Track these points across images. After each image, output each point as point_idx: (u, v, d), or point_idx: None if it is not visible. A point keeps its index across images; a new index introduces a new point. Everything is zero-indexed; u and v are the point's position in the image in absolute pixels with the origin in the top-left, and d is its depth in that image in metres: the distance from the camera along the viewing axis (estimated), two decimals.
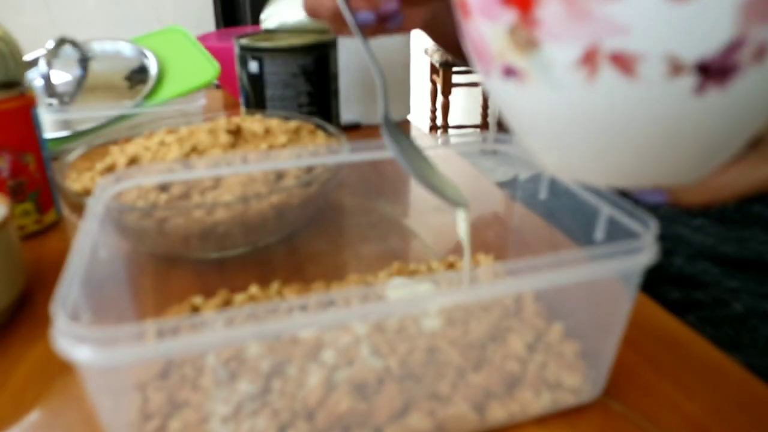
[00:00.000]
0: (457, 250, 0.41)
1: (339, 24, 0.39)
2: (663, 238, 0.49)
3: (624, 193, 0.26)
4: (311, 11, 0.39)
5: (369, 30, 0.40)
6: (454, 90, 2.38)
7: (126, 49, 0.74)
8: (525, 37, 0.19)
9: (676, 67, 0.17)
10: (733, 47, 0.17)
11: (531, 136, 0.23)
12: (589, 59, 0.18)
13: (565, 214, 0.32)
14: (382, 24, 0.40)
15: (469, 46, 0.22)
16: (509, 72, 0.20)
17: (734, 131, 0.20)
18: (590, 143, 0.21)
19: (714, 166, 0.22)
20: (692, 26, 0.16)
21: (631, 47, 0.17)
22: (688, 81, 0.18)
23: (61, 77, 0.70)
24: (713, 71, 0.17)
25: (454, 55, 0.57)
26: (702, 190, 0.22)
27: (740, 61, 0.17)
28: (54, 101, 0.64)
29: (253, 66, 0.58)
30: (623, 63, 0.18)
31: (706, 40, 0.17)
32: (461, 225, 0.32)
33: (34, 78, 0.67)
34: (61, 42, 0.65)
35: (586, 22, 0.17)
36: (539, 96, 0.20)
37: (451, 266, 0.39)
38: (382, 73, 0.34)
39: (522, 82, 0.20)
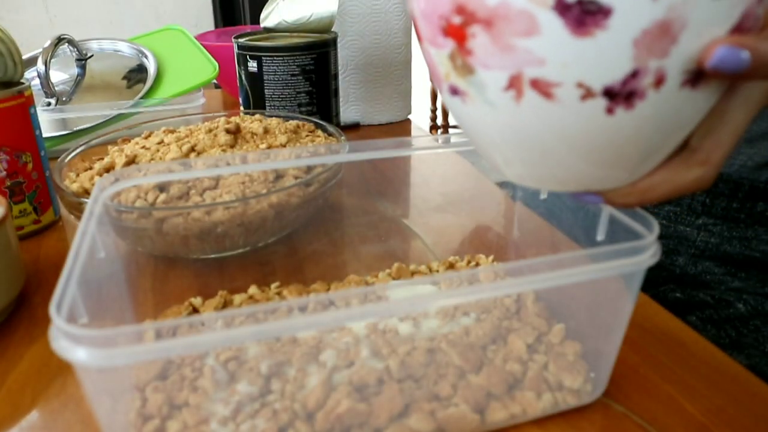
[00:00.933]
0: (457, 250, 0.41)
1: None
2: (666, 237, 0.49)
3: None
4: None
5: None
6: None
7: (124, 48, 0.74)
8: (462, 63, 0.22)
9: (587, 92, 0.20)
10: (633, 76, 0.19)
11: (478, 144, 0.26)
12: (514, 84, 0.21)
13: (565, 214, 0.32)
14: None
15: (427, 66, 0.26)
16: (454, 91, 0.23)
17: (650, 144, 0.22)
18: (524, 154, 0.23)
19: (640, 172, 0.24)
20: (597, 58, 0.19)
21: (547, 76, 0.20)
22: (599, 103, 0.20)
23: (60, 76, 0.70)
24: (619, 96, 0.20)
25: None
26: (630, 193, 0.24)
27: (642, 87, 0.20)
28: (52, 100, 0.64)
29: (253, 65, 0.58)
30: (542, 88, 0.20)
31: (609, 70, 0.19)
32: None
33: (32, 77, 0.67)
34: (59, 41, 0.65)
35: (508, 54, 0.20)
36: (478, 112, 0.23)
37: (451, 266, 0.38)
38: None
39: (464, 100, 0.23)
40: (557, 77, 0.20)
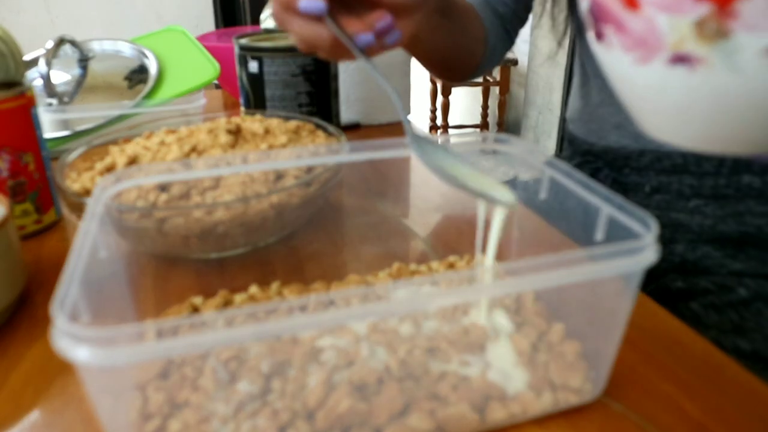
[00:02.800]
0: (457, 250, 0.41)
1: (339, 52, 0.39)
2: (662, 226, 0.49)
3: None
4: (309, 48, 0.39)
5: (370, 51, 0.40)
6: (454, 90, 2.38)
7: (126, 48, 0.74)
8: (715, 28, 0.21)
9: None
10: None
11: (671, 115, 0.25)
12: None
13: (565, 214, 0.32)
14: (381, 41, 0.40)
15: (618, 37, 0.24)
16: (680, 59, 0.22)
17: None
18: (752, 119, 0.23)
19: None
20: None
21: None
22: None
23: (61, 77, 0.70)
24: None
25: (432, 69, 0.59)
26: None
27: None
28: (54, 101, 0.64)
29: (253, 66, 0.58)
30: None
31: None
32: (496, 223, 0.31)
33: (34, 78, 0.67)
34: (60, 42, 0.65)
35: None
36: (713, 81, 0.22)
37: (451, 266, 0.39)
38: (397, 90, 0.35)
39: (695, 68, 0.22)
40: None
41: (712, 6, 0.21)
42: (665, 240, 0.49)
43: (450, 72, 0.59)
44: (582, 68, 0.59)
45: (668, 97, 0.25)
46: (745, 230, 0.46)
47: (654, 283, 0.50)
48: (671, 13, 0.22)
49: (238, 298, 0.35)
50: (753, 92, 0.22)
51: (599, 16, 0.25)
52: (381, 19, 0.39)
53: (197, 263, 0.40)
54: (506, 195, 0.31)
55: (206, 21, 2.26)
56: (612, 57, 0.26)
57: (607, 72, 0.27)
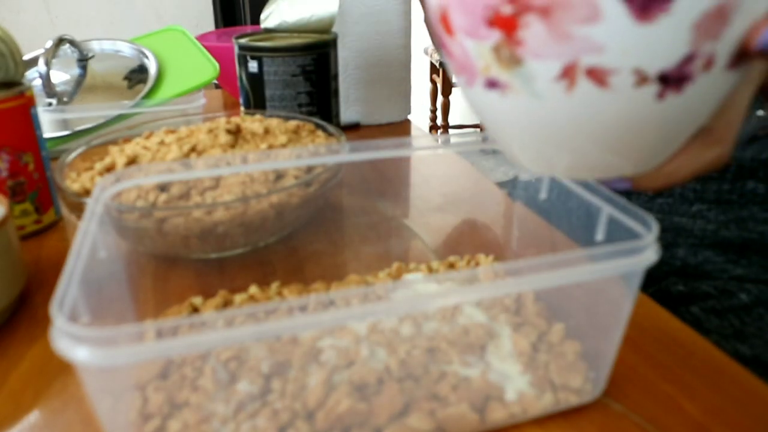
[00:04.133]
0: (457, 250, 0.41)
1: None
2: (664, 230, 0.49)
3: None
4: None
5: None
6: (454, 90, 2.38)
7: (125, 48, 0.74)
8: (509, 54, 0.21)
9: (642, 78, 0.20)
10: (688, 60, 0.20)
11: (508, 139, 0.26)
12: (568, 74, 0.21)
13: (565, 214, 0.32)
14: None
15: (450, 61, 0.25)
16: (492, 84, 0.23)
17: (687, 125, 0.23)
18: (566, 143, 0.23)
19: (668, 155, 0.25)
20: (655, 44, 0.19)
21: (605, 63, 0.20)
22: (651, 89, 0.20)
23: (60, 77, 0.70)
24: (672, 80, 0.20)
25: None
26: (658, 176, 0.26)
27: (693, 70, 0.20)
28: (53, 101, 0.64)
29: (253, 66, 0.58)
30: (598, 76, 0.20)
31: (667, 55, 0.20)
32: None
33: (33, 78, 0.67)
34: (60, 41, 0.65)
35: (565, 42, 0.20)
36: (521, 105, 0.23)
37: (451, 266, 0.39)
38: None
39: (504, 94, 0.23)
40: (615, 64, 0.20)
41: (501, 33, 0.21)
42: (666, 243, 0.49)
43: None
44: None
45: (494, 123, 0.25)
46: (748, 236, 0.46)
47: (655, 286, 0.49)
48: (473, 39, 0.22)
49: (238, 298, 0.35)
50: (558, 119, 0.22)
51: (436, 41, 0.26)
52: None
53: (197, 263, 0.40)
54: None
55: (206, 21, 2.26)
56: (456, 80, 0.26)
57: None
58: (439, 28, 0.24)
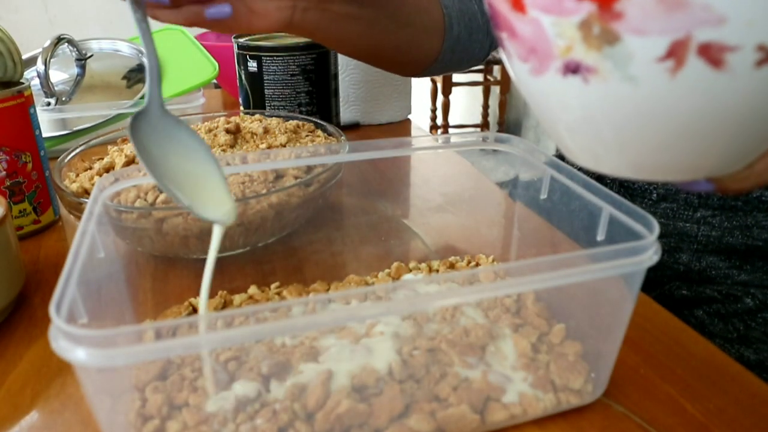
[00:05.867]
0: (457, 250, 0.40)
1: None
2: (666, 235, 0.49)
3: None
4: None
5: (193, 20, 0.36)
6: (454, 89, 2.38)
7: (124, 47, 0.74)
8: (601, 31, 0.18)
9: (765, 57, 0.17)
10: None
11: (577, 133, 0.22)
12: (676, 52, 0.17)
13: (565, 215, 0.32)
14: (197, 8, 0.36)
15: (513, 44, 0.21)
16: (572, 68, 0.20)
17: None
18: (655, 139, 0.20)
19: (761, 152, 0.22)
20: None
21: (725, 38, 0.17)
22: None
23: (59, 76, 0.70)
24: None
25: (369, 62, 0.51)
26: (747, 176, 0.23)
27: None
28: (52, 100, 0.64)
29: (252, 65, 0.58)
30: (713, 54, 0.17)
31: None
32: (213, 243, 0.27)
33: (32, 77, 0.67)
34: (58, 41, 0.65)
35: (679, 13, 0.17)
36: (608, 92, 0.19)
37: (451, 266, 0.38)
38: (155, 54, 0.30)
39: (588, 79, 0.19)
40: (737, 39, 0.17)
41: (594, 5, 0.18)
42: (670, 248, 0.49)
43: (397, 67, 0.51)
44: None
45: (570, 114, 0.22)
46: (752, 243, 0.45)
47: (658, 290, 0.49)
48: (555, 15, 0.19)
49: (238, 298, 0.35)
50: (655, 108, 0.19)
51: (495, 22, 0.22)
52: None
53: (196, 263, 0.40)
54: (222, 210, 0.27)
55: None
56: (513, 68, 0.23)
57: (517, 86, 0.24)
58: (500, 5, 0.21)
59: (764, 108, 0.19)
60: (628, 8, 0.17)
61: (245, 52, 0.58)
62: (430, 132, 2.47)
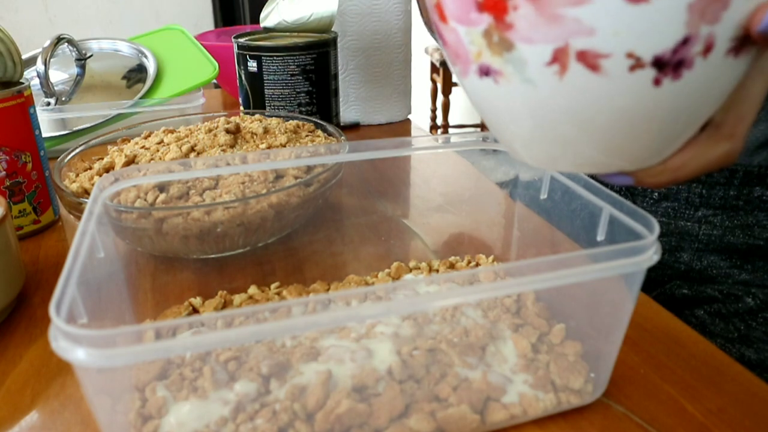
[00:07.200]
0: (457, 250, 0.40)
1: None
2: (667, 235, 0.49)
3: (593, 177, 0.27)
4: None
5: None
6: (454, 89, 2.38)
7: (124, 47, 0.74)
8: (499, 40, 0.21)
9: (636, 63, 0.19)
10: (684, 43, 0.19)
11: (505, 130, 0.25)
12: (559, 58, 0.20)
13: (565, 214, 0.32)
14: None
15: (446, 50, 0.24)
16: (485, 71, 0.22)
17: (688, 117, 0.22)
18: (561, 133, 0.22)
19: (672, 149, 0.24)
20: (650, 25, 0.18)
21: (597, 46, 0.19)
22: (647, 74, 0.20)
23: (59, 76, 0.70)
24: (668, 65, 0.19)
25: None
26: (661, 171, 0.24)
27: (691, 55, 0.19)
28: (51, 100, 0.64)
29: (252, 65, 0.58)
30: (589, 60, 0.20)
31: (662, 38, 0.19)
32: None
33: (32, 77, 0.67)
34: (58, 41, 0.65)
35: (555, 25, 0.19)
36: (514, 92, 0.22)
37: (451, 266, 0.38)
38: None
39: (497, 81, 0.22)
40: (607, 48, 0.19)
41: (491, 17, 0.20)
42: (671, 248, 0.49)
43: None
44: None
45: (490, 113, 0.24)
46: (754, 242, 0.45)
47: (658, 290, 0.49)
48: (465, 25, 0.21)
49: (237, 298, 0.35)
50: (552, 106, 0.21)
51: (435, 30, 0.25)
52: None
53: (196, 263, 0.40)
54: None
55: (205, 20, 2.26)
56: (451, 70, 0.26)
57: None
58: (433, 16, 0.24)
59: (649, 108, 0.21)
60: (516, 20, 0.20)
61: (245, 52, 0.58)
62: (430, 132, 2.47)
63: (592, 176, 0.28)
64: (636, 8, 0.18)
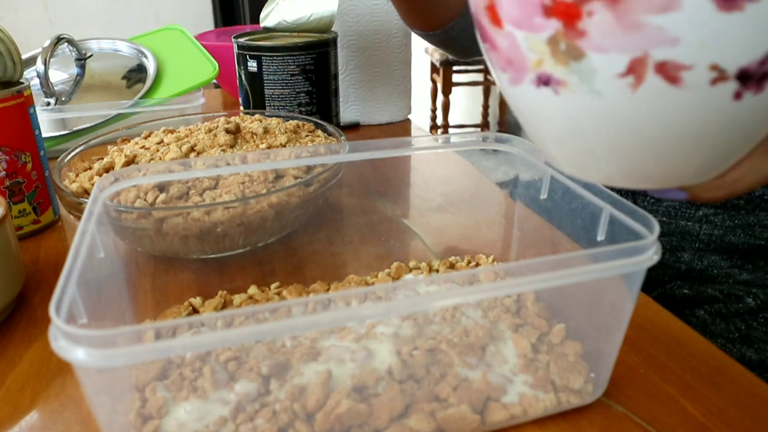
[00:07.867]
0: (457, 250, 0.40)
1: None
2: (668, 234, 0.49)
3: (629, 191, 0.27)
4: None
5: None
6: (454, 89, 2.38)
7: (124, 47, 0.74)
8: (567, 48, 0.19)
9: (719, 75, 0.18)
10: None
11: (557, 143, 0.23)
12: (635, 69, 0.18)
13: (566, 214, 0.32)
14: None
15: (493, 55, 0.23)
16: (544, 81, 0.21)
17: (758, 131, 0.21)
18: (624, 147, 0.21)
19: (732, 163, 0.23)
20: (739, 36, 0.17)
21: (679, 57, 0.18)
22: (729, 87, 0.18)
23: (59, 76, 0.70)
24: (752, 78, 0.18)
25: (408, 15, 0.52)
26: (719, 186, 0.23)
27: None
28: (51, 100, 0.64)
29: (252, 65, 0.58)
30: (669, 72, 0.18)
31: (750, 49, 0.17)
32: None
33: (32, 77, 0.67)
34: (58, 41, 0.65)
35: (635, 33, 0.18)
36: (577, 104, 0.20)
37: (451, 266, 0.38)
38: None
39: (558, 91, 0.21)
40: (690, 59, 0.18)
41: (560, 23, 0.19)
42: (672, 247, 0.49)
43: (425, 17, 0.52)
44: None
45: (546, 123, 0.23)
46: (755, 242, 0.45)
47: (659, 289, 0.49)
48: (526, 31, 0.20)
49: (237, 298, 0.35)
50: (619, 120, 0.20)
51: (479, 33, 0.23)
52: None
53: (196, 264, 0.40)
54: None
55: (205, 20, 2.26)
56: (496, 76, 0.24)
57: (503, 95, 0.25)
58: (482, 18, 0.22)
59: (725, 123, 0.20)
60: (590, 27, 0.18)
61: (245, 52, 0.58)
62: (430, 132, 2.47)
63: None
64: (727, 17, 0.17)
